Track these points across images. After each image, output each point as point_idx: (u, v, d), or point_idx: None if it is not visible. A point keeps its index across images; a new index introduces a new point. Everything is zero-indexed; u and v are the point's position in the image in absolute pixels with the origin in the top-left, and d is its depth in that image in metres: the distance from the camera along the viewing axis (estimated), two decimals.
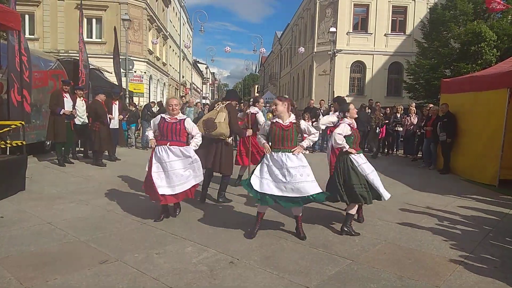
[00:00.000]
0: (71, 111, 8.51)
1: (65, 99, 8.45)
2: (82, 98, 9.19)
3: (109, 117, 9.03)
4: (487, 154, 7.95)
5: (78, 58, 11.60)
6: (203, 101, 37.40)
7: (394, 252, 3.96)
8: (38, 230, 4.25)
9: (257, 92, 65.91)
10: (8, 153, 6.46)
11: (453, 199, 6.55)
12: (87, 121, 8.98)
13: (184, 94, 29.03)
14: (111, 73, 15.49)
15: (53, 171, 7.97)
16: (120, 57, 14.63)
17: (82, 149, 9.81)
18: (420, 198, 6.51)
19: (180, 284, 3.09)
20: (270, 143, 4.33)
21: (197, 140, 4.78)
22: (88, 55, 11.95)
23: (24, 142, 6.39)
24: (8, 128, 6.16)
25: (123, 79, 16.38)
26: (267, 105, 15.61)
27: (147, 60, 26.18)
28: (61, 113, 8.28)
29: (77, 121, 9.02)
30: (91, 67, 12.76)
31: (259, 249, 3.89)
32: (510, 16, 17.00)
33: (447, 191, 7.08)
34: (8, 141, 6.23)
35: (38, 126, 9.27)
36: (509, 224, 5.20)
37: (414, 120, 11.69)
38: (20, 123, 6.28)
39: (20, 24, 6.37)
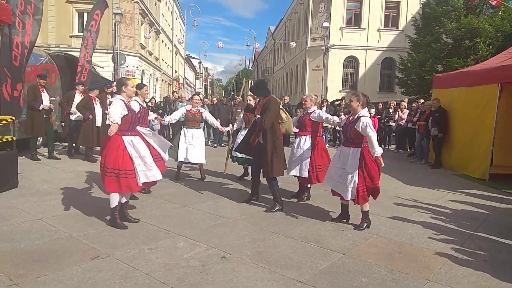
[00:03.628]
0: (49, 106, 8.43)
1: (42, 93, 8.29)
2: (81, 93, 9.10)
3: (106, 113, 8.96)
4: (478, 149, 8.03)
5: (68, 52, 11.45)
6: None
7: (385, 246, 3.99)
8: (29, 227, 4.21)
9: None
10: None
11: (444, 193, 6.61)
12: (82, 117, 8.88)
13: (176, 89, 28.88)
14: (103, 67, 15.37)
15: (43, 167, 7.89)
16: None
17: (74, 144, 9.71)
18: (411, 192, 6.57)
19: (172, 279, 3.09)
20: None
21: None
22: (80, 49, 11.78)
23: (14, 138, 6.31)
24: None
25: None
26: None
27: (139, 54, 25.99)
28: (40, 108, 8.17)
29: (73, 116, 8.94)
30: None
31: (251, 244, 3.90)
32: (501, 11, 17.12)
33: (438, 186, 7.14)
34: None
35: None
36: (499, 218, 5.27)
37: (404, 115, 11.77)
38: (11, 119, 6.19)
39: (10, 17, 6.27)
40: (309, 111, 5.61)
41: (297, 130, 5.75)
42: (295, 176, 5.60)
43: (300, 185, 5.80)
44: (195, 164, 7.04)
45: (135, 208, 5.05)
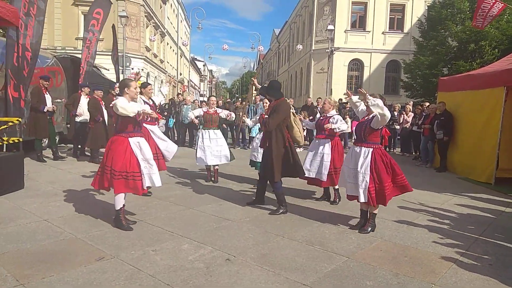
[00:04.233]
0: (53, 107, 8.51)
1: (45, 95, 8.37)
2: (87, 95, 9.16)
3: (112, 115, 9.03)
4: (484, 153, 7.97)
5: (74, 55, 11.52)
6: (200, 98, 37.29)
7: (390, 250, 3.98)
8: (35, 227, 4.24)
9: (254, 90, 65.74)
10: (4, 150, 6.43)
11: (449, 197, 6.58)
12: (88, 119, 8.94)
13: (181, 92, 28.95)
14: (108, 70, 15.46)
15: (49, 168, 7.95)
16: (118, 54, 14.58)
17: (79, 146, 9.77)
18: (416, 196, 6.52)
19: (176, 281, 3.10)
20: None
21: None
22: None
23: (21, 139, 6.36)
24: (5, 126, 6.12)
25: (120, 76, 16.31)
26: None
27: (144, 57, 26.12)
28: (45, 110, 8.22)
29: (78, 118, 9.00)
30: None
31: (255, 247, 3.90)
32: (506, 15, 17.02)
33: (443, 189, 7.11)
34: (5, 138, 6.20)
35: None
36: (504, 222, 5.23)
37: (409, 118, 11.74)
38: (18, 120, 6.25)
39: (18, 19, 6.33)
40: (328, 115, 5.65)
41: (307, 143, 5.77)
42: (311, 178, 5.58)
43: (324, 189, 5.86)
44: (215, 165, 7.10)
45: (139, 211, 5.06)
